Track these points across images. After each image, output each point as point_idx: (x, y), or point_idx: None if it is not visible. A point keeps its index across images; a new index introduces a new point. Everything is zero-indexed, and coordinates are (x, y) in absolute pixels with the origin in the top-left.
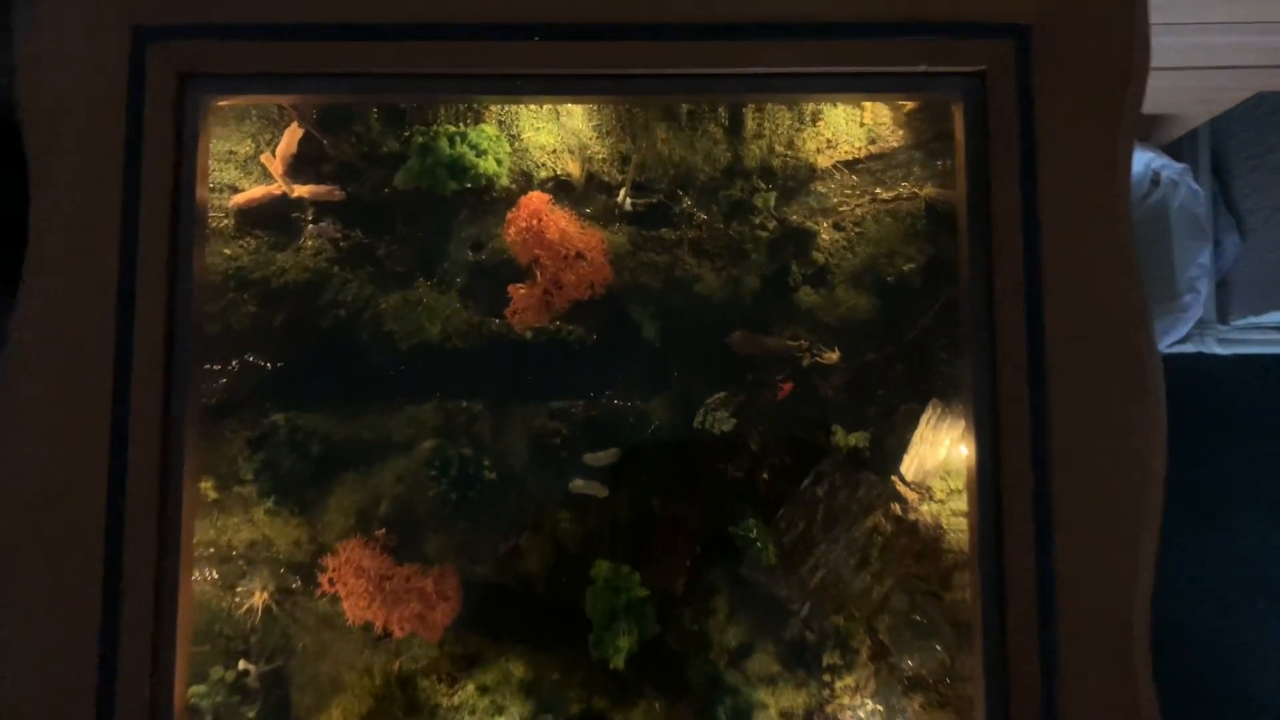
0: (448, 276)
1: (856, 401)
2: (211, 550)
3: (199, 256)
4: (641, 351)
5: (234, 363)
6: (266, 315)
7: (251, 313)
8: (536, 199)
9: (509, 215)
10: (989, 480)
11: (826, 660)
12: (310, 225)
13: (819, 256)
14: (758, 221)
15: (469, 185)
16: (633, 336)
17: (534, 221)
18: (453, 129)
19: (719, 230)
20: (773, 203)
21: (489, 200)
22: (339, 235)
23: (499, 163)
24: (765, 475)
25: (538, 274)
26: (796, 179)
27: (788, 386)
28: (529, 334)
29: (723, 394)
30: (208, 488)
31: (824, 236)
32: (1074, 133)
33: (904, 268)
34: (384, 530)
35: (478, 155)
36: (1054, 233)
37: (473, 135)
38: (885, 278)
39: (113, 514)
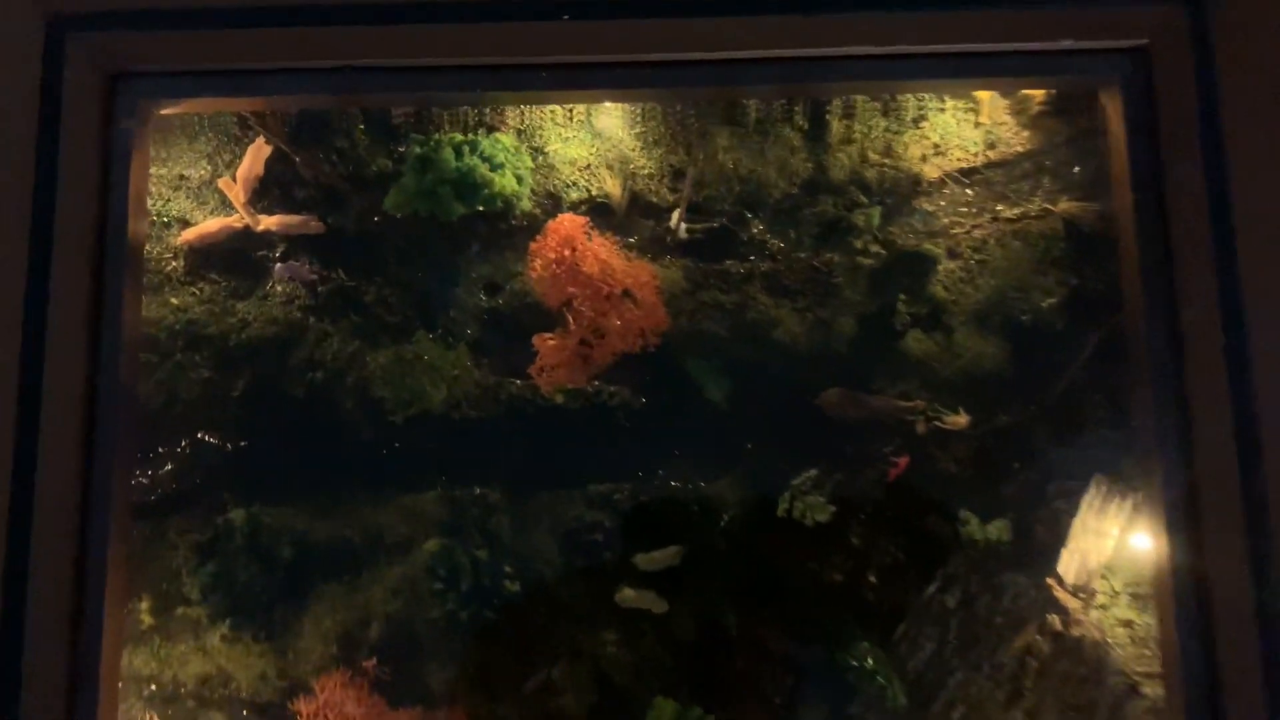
0: (455, 327)
1: (991, 480)
2: (152, 688)
3: (132, 308)
4: (705, 419)
5: (181, 444)
6: (224, 381)
7: (204, 379)
8: (569, 223)
9: (533, 245)
10: (1190, 591)
11: None
12: (279, 265)
13: (936, 291)
14: (859, 245)
15: (481, 208)
16: (693, 399)
17: (566, 252)
18: (460, 138)
19: (801, 260)
20: (877, 221)
21: (506, 229)
22: (315, 277)
23: (519, 180)
24: (875, 580)
25: (571, 320)
26: (896, 194)
27: (902, 462)
28: (560, 398)
29: (814, 472)
30: (143, 611)
31: (938, 266)
32: (1273, 116)
33: (1041, 303)
34: (374, 661)
35: (492, 170)
36: (1256, 245)
37: (485, 146)
38: (1017, 316)
39: (7, 646)
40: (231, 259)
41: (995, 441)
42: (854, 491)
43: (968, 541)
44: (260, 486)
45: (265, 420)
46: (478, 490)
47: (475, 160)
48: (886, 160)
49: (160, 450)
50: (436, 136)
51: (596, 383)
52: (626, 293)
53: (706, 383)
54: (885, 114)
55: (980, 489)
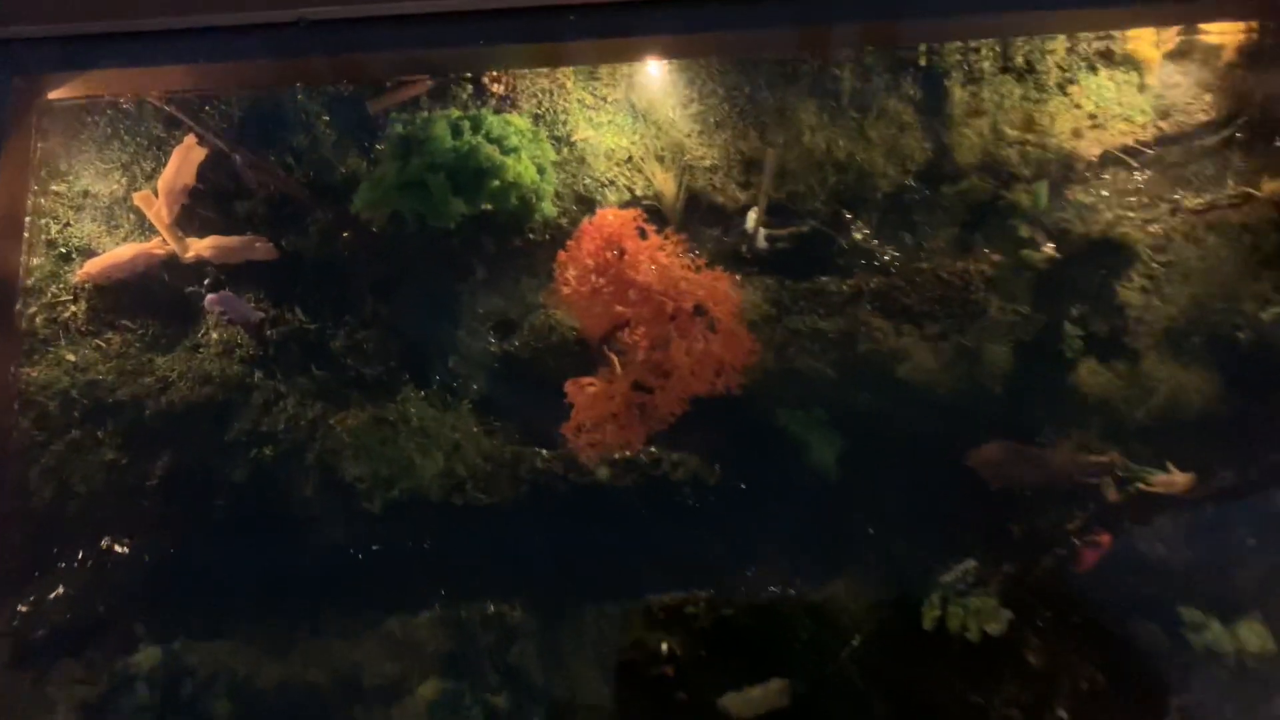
0: (455, 380)
1: (1222, 564)
2: None
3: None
4: (810, 494)
5: (78, 556)
6: (137, 465)
7: (110, 463)
8: (615, 219)
9: (564, 253)
10: None
11: None
12: (211, 296)
13: (1130, 297)
14: (1026, 235)
15: (488, 207)
16: (792, 467)
17: (611, 254)
18: (457, 113)
19: (924, 271)
20: (1045, 202)
21: (523, 244)
22: (263, 315)
23: (540, 171)
24: (1071, 708)
25: (617, 361)
26: (1043, 179)
27: (1104, 541)
28: (605, 471)
29: (972, 564)
30: None
31: (1135, 262)
32: None
33: (1259, 314)
34: None
35: (504, 152)
36: None
37: (492, 123)
38: (1227, 333)
39: None
40: (150, 298)
41: (1219, 508)
42: (1030, 589)
43: (1208, 653)
44: (187, 613)
45: (194, 518)
46: (492, 608)
47: (478, 139)
48: (1029, 136)
49: (49, 565)
50: (424, 114)
51: (653, 448)
52: (699, 310)
53: (810, 443)
54: (1019, 78)
55: (1211, 578)
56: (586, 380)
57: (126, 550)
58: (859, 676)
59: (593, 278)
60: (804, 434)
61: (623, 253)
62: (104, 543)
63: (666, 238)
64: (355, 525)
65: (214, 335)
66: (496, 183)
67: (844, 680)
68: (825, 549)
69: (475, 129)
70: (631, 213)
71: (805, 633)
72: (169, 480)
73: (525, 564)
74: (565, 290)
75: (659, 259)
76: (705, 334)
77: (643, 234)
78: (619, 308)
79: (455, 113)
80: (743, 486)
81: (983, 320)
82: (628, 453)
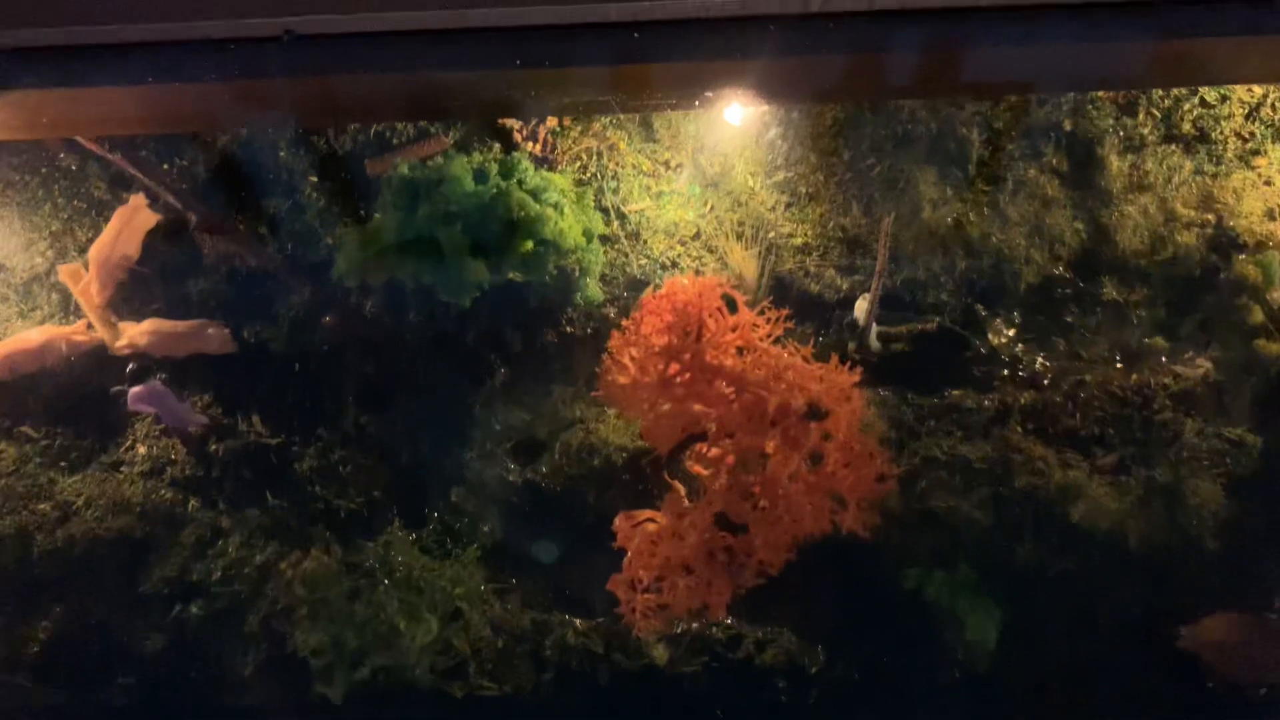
0: (460, 521)
1: None
2: None
3: None
4: (951, 687)
5: None
6: (12, 627)
7: None
8: (695, 285)
9: (620, 332)
10: None
11: None
12: (135, 390)
13: None
14: (1257, 322)
15: (517, 276)
16: (925, 648)
17: (688, 332)
18: (480, 156)
19: (1092, 385)
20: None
21: (555, 339)
22: (206, 422)
23: (587, 238)
24: None
25: (681, 492)
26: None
27: None
28: (661, 651)
29: None
30: None
31: None
32: None
33: None
34: None
35: (537, 213)
36: None
37: (526, 169)
38: None
39: None
40: (62, 400)
41: None
42: None
43: None
44: None
45: (85, 708)
46: None
47: (509, 184)
48: (1207, 217)
49: None
50: (440, 157)
51: (730, 619)
52: (814, 412)
53: (956, 615)
54: (1188, 148)
55: None
56: (645, 514)
57: None
58: None
59: (661, 364)
60: (947, 603)
61: (701, 332)
62: None
63: (763, 312)
64: (312, 717)
65: (141, 449)
66: (530, 242)
67: None
68: None
69: (505, 174)
70: (714, 279)
71: None
72: (54, 649)
73: None
74: (622, 381)
75: (753, 341)
76: (822, 446)
77: (731, 306)
78: (697, 406)
79: (478, 156)
80: (858, 677)
81: (1176, 447)
82: (701, 622)
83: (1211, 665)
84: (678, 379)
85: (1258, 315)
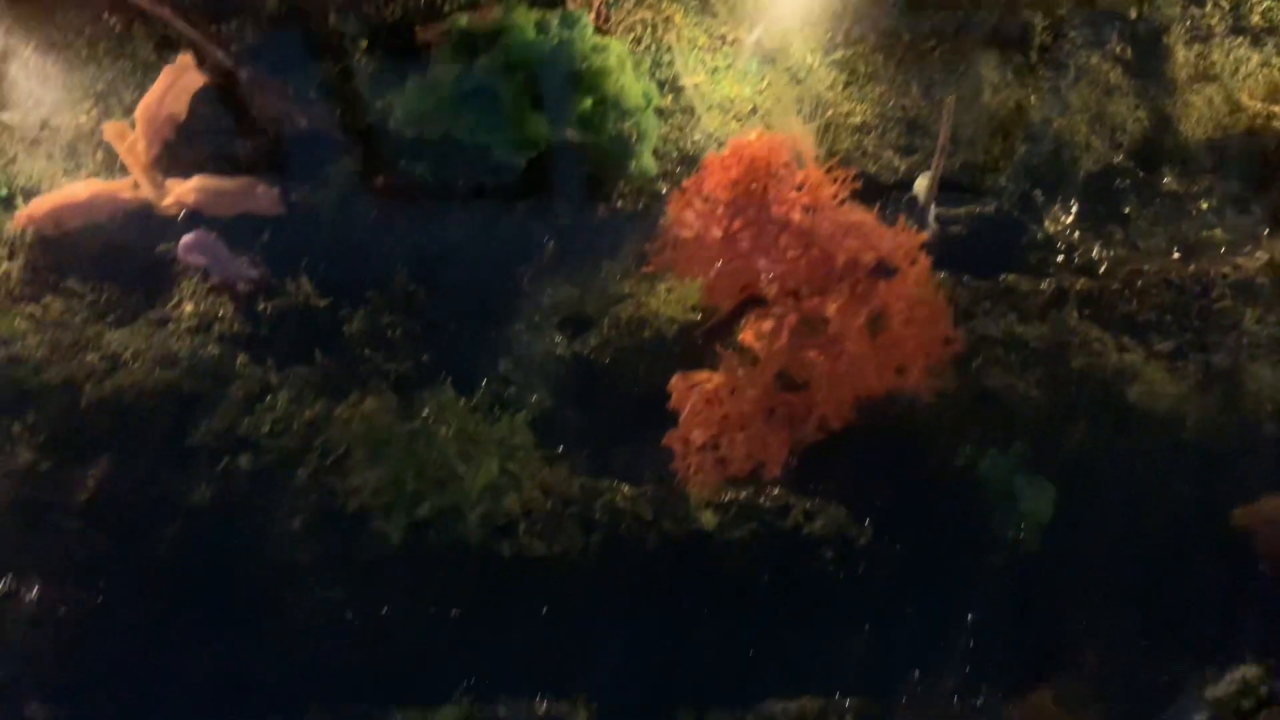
0: (509, 389)
1: None
2: None
3: None
4: (1001, 563)
5: None
6: (61, 473)
7: (22, 466)
8: (762, 142)
9: (692, 180)
10: None
11: None
12: (188, 238)
13: None
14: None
15: (575, 137)
16: (975, 525)
17: (754, 186)
18: (540, 13)
19: (1150, 274)
20: None
21: (607, 213)
22: (256, 275)
23: (646, 102)
24: None
25: (733, 361)
26: None
27: None
28: (709, 516)
29: (1255, 670)
30: None
31: None
32: None
33: None
34: None
35: (601, 64)
36: None
37: (586, 26)
38: None
39: None
40: (110, 256)
41: None
42: None
43: None
44: (108, 696)
45: (133, 555)
46: (545, 706)
47: (573, 34)
48: (1274, 109)
49: None
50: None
51: (778, 491)
52: (882, 268)
53: (1011, 492)
54: (1256, 40)
55: None
56: (702, 374)
57: (33, 597)
58: None
59: (726, 216)
60: (1000, 479)
61: (768, 184)
62: (3, 582)
63: (831, 170)
64: (358, 575)
65: (188, 307)
66: (590, 99)
67: None
68: (1025, 646)
69: (568, 26)
70: (782, 136)
71: None
72: (103, 496)
73: (594, 644)
74: (685, 235)
75: (821, 198)
76: (888, 305)
77: (796, 169)
78: (762, 261)
79: (538, 12)
80: (903, 549)
81: (1236, 335)
82: (750, 491)
83: (1265, 544)
84: (742, 233)
85: None
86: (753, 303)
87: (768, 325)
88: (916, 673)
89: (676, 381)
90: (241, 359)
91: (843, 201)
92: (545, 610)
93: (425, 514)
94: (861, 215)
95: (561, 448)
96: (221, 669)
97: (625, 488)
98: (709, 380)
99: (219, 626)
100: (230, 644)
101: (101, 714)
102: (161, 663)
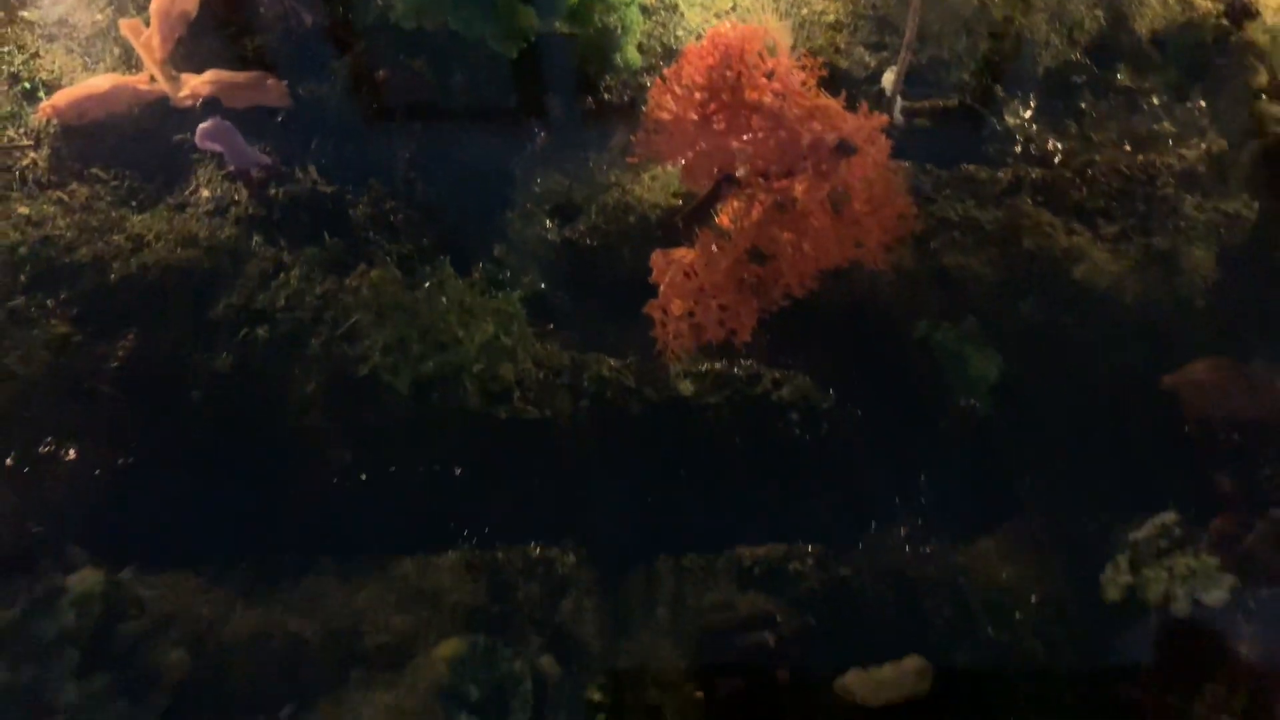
0: (503, 273)
1: None
2: None
3: None
4: (952, 424)
5: (8, 456)
6: (93, 343)
7: (58, 337)
8: (736, 31)
9: (671, 69)
10: None
11: None
12: (205, 125)
13: None
14: (1261, 84)
15: (564, 28)
16: (929, 390)
17: (728, 72)
18: None
19: (1101, 164)
20: None
21: (594, 106)
22: (270, 163)
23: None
24: None
25: (709, 240)
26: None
27: None
28: (687, 385)
29: (1171, 516)
30: None
31: None
32: None
33: None
34: None
35: None
36: None
37: None
38: None
39: None
40: (129, 145)
41: None
42: (1246, 553)
43: None
44: (142, 539)
45: (162, 415)
46: (538, 551)
47: None
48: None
49: None
50: None
51: (747, 361)
52: (844, 147)
53: (964, 361)
54: None
55: None
56: (680, 250)
57: (72, 454)
58: (1015, 658)
59: (702, 101)
60: (953, 348)
61: (743, 70)
62: (43, 443)
63: (801, 59)
64: (367, 436)
65: (204, 193)
66: None
67: (999, 660)
68: (973, 497)
69: None
70: (757, 26)
71: (949, 603)
72: (132, 364)
73: (582, 498)
74: (664, 117)
75: (791, 86)
76: (849, 183)
77: (768, 55)
78: (735, 143)
79: None
80: (863, 414)
81: (1175, 219)
82: (724, 362)
83: (1190, 403)
84: (717, 117)
85: (1263, 78)
86: (728, 183)
87: (739, 203)
88: (873, 524)
89: (656, 257)
90: (256, 239)
91: (811, 89)
92: (537, 468)
93: (429, 371)
94: (827, 101)
95: (552, 325)
96: (241, 522)
97: (611, 360)
98: (686, 255)
99: (239, 483)
100: (249, 499)
101: (132, 557)
102: (186, 515)
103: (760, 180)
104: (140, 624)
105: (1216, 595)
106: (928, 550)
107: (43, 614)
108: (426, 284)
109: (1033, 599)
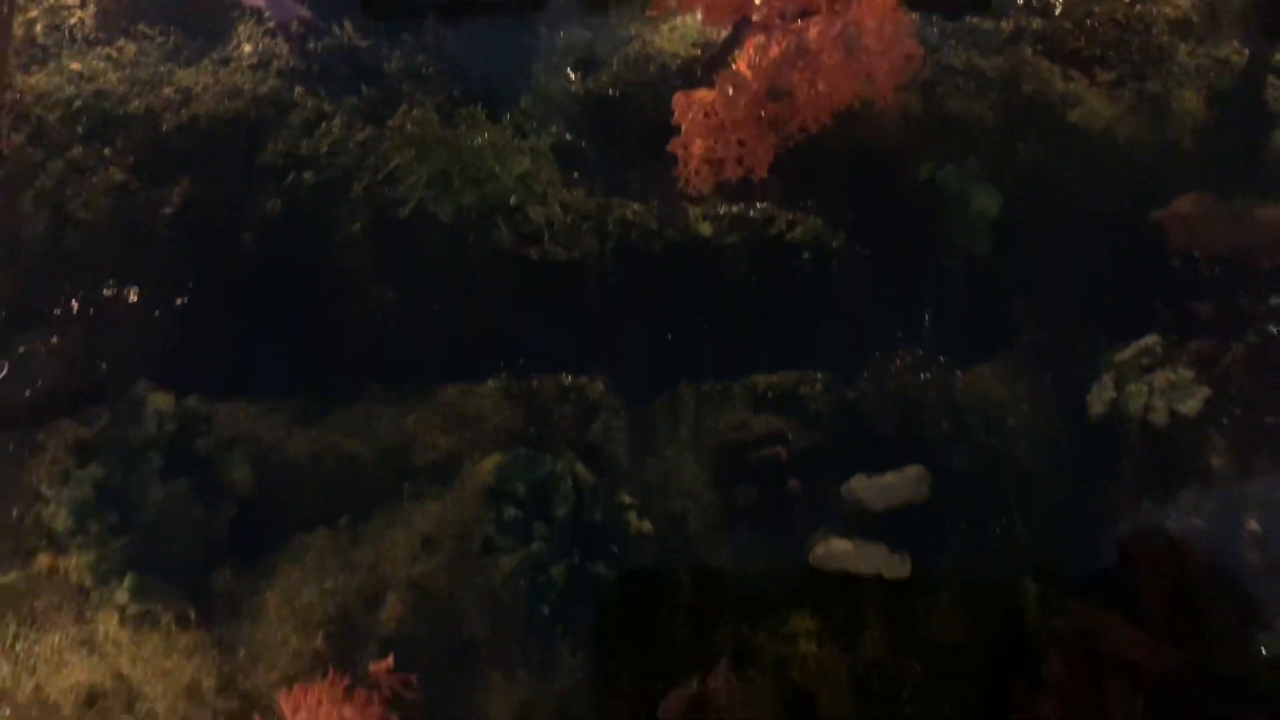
0: (529, 124)
1: None
2: (5, 713)
3: None
4: (958, 263)
5: (72, 300)
6: (149, 191)
7: (116, 184)
8: None
9: None
10: None
11: None
12: (258, 6)
13: None
14: None
15: None
16: (932, 228)
17: None
18: None
19: (1099, 15)
20: None
21: None
22: (309, 19)
23: None
24: (1262, 519)
25: (742, 67)
26: None
27: None
28: (706, 227)
29: (1154, 338)
30: None
31: None
32: None
33: None
34: (389, 662)
35: None
36: None
37: None
38: None
39: None
40: (173, 4)
41: None
42: (1223, 372)
43: None
44: (205, 372)
45: (217, 256)
46: (568, 380)
47: None
48: None
49: (41, 312)
50: None
51: (762, 204)
52: None
53: (966, 199)
54: None
55: None
56: (701, 91)
57: (135, 297)
58: (1005, 468)
59: None
60: (956, 189)
61: None
62: (106, 287)
63: None
64: (408, 275)
65: (246, 48)
66: None
67: (991, 470)
68: (971, 325)
69: None
70: None
71: (942, 417)
72: (187, 210)
73: (610, 331)
74: None
75: None
76: (861, 21)
77: None
78: None
79: None
80: (870, 253)
81: (1168, 65)
82: (740, 205)
83: (1174, 237)
84: None
85: None
86: (745, 25)
87: (760, 40)
88: (877, 353)
89: (678, 99)
90: (298, 90)
91: None
92: (567, 305)
93: (470, 203)
94: None
95: (577, 174)
96: (294, 355)
97: (634, 205)
98: (707, 96)
99: (291, 319)
100: (301, 334)
101: (195, 387)
102: (243, 349)
103: (778, 20)
104: (209, 441)
105: (1191, 405)
106: (927, 375)
107: (128, 423)
108: (463, 125)
109: (1024, 409)
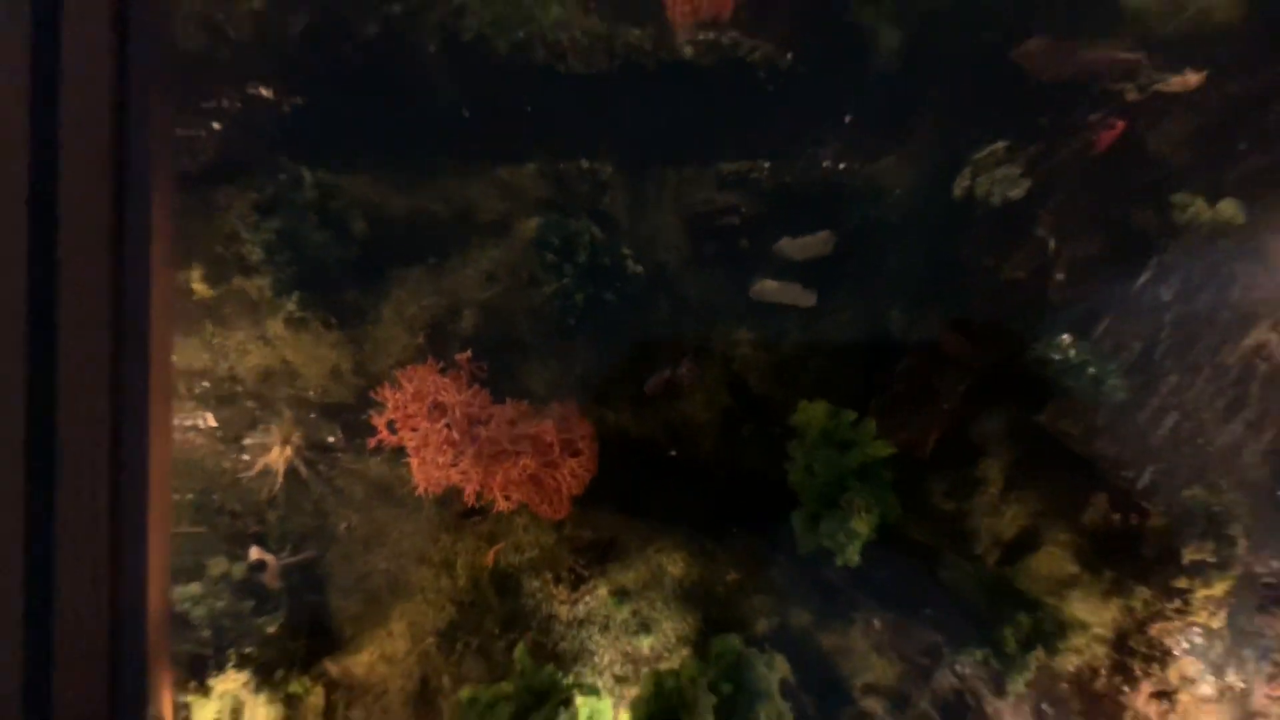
0: None
1: (1218, 154)
2: (205, 385)
3: None
4: (870, 77)
5: (226, 101)
6: (280, 17)
7: (254, 11)
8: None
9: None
10: None
11: (1189, 557)
12: None
13: None
14: None
15: None
16: (857, 52)
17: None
18: None
19: None
20: None
21: None
22: None
23: None
24: (1067, 272)
25: None
26: None
27: (1117, 127)
28: (689, 49)
29: (1003, 144)
30: (195, 281)
31: None
32: None
33: None
34: (469, 354)
35: None
36: None
37: None
38: None
39: (36, 317)
40: None
41: (1228, 111)
42: (1051, 168)
43: (1188, 226)
44: (326, 153)
45: (331, 69)
46: (586, 164)
47: None
48: None
49: (202, 107)
50: None
51: (732, 34)
52: None
53: (877, 30)
54: None
55: (1205, 165)
56: None
57: (270, 97)
58: (894, 230)
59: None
60: (872, 21)
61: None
62: (251, 88)
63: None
64: (472, 84)
65: None
66: None
67: (878, 234)
68: (881, 128)
69: None
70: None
71: (852, 196)
72: (308, 29)
73: (616, 128)
74: None
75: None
76: None
77: None
78: None
79: None
80: (811, 71)
81: None
82: (713, 35)
83: (1030, 68)
84: None
85: None
86: None
87: None
88: (809, 148)
89: None
90: None
91: None
92: (585, 105)
93: (521, 37)
94: None
95: (593, 4)
96: (390, 141)
97: (635, 30)
98: None
99: (388, 114)
100: (394, 125)
101: (324, 161)
102: (351, 133)
103: None
104: (340, 202)
105: (1016, 193)
106: (849, 164)
107: (294, 188)
108: None
109: (907, 191)
